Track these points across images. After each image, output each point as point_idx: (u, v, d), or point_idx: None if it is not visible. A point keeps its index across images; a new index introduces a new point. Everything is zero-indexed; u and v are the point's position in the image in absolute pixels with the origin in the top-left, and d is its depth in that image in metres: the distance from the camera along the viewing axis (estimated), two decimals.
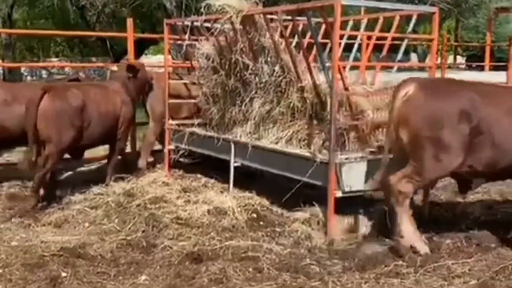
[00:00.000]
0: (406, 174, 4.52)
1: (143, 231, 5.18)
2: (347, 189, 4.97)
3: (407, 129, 4.42)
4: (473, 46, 31.23)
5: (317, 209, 5.23)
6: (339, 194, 4.96)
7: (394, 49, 6.24)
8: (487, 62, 23.12)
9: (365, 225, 5.13)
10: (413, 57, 28.76)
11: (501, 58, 28.83)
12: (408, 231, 4.61)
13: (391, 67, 6.04)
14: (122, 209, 5.73)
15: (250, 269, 4.34)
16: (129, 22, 8.00)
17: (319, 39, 5.86)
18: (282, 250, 4.74)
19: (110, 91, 6.59)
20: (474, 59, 29.22)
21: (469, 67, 24.55)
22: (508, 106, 4.44)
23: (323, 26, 6.12)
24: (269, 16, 5.82)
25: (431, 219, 5.50)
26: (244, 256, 4.60)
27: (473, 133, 4.34)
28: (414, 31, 6.08)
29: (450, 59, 23.82)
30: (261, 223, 5.43)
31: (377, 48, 6.40)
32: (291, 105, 5.63)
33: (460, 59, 31.68)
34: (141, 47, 16.46)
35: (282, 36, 5.76)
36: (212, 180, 6.83)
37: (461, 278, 4.22)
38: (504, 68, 14.63)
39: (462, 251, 4.73)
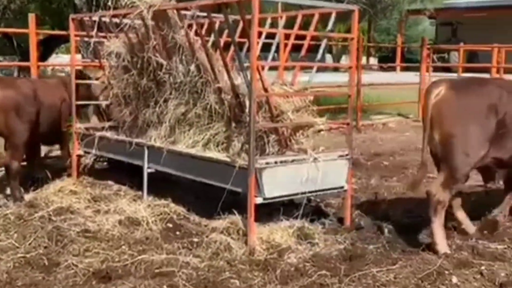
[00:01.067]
0: (442, 181, 4.57)
1: (45, 247, 4.63)
2: (268, 195, 4.67)
3: (440, 127, 4.54)
4: (385, 47, 32.29)
5: (236, 217, 4.89)
6: (259, 200, 4.66)
7: (309, 49, 5.99)
8: (398, 63, 23.86)
9: (287, 233, 4.84)
10: (328, 58, 29.17)
11: (411, 59, 29.97)
12: (443, 241, 4.61)
13: (309, 68, 5.81)
14: (22, 222, 5.15)
15: (165, 287, 3.94)
16: (31, 17, 7.36)
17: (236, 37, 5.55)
18: (199, 263, 4.36)
19: (50, 86, 6.54)
20: (386, 60, 30.17)
21: (381, 68, 25.26)
22: None
23: (240, 24, 5.80)
24: (183, 12, 5.43)
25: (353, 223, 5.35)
26: (158, 272, 4.18)
27: (498, 126, 4.50)
28: (330, 31, 5.85)
29: (363, 60, 24.32)
30: (177, 233, 5.03)
31: (294, 48, 6.12)
32: (208, 106, 5.28)
33: (373, 60, 32.63)
34: (51, 45, 15.53)
35: (197, 33, 5.39)
36: (125, 188, 6.33)
37: (387, 287, 4.02)
38: (416, 69, 14.99)
39: (386, 257, 4.54)
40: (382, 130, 12.10)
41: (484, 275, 4.17)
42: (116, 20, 5.93)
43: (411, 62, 26.20)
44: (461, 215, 5.05)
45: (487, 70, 13.68)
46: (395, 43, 28.98)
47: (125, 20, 5.72)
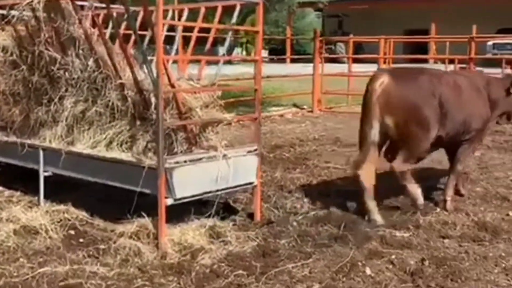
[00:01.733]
0: (402, 158, 5.15)
1: None
2: (179, 196, 4.47)
3: (392, 115, 5.00)
4: (276, 39, 32.75)
5: (145, 219, 4.64)
6: (170, 201, 4.44)
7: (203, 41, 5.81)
8: (289, 55, 24.31)
9: (199, 232, 4.67)
10: (221, 50, 29.11)
11: (299, 51, 30.63)
12: (419, 194, 5.28)
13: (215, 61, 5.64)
14: None
15: None
16: None
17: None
18: (108, 271, 4.07)
19: None
20: (276, 53, 30.63)
21: (271, 60, 25.62)
22: (454, 85, 5.33)
23: (140, 15, 5.51)
24: (78, 2, 5.05)
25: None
26: (63, 285, 3.85)
27: (439, 107, 5.10)
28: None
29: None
30: (81, 240, 4.67)
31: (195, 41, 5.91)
32: (110, 104, 4.95)
33: (264, 53, 33.05)
34: None
35: (94, 25, 5.04)
36: (18, 193, 5.82)
37: (304, 283, 3.98)
38: (306, 61, 15.30)
39: (299, 252, 4.51)
40: (280, 121, 12.21)
41: (395, 264, 4.26)
42: (2, 11, 5.40)
43: (299, 54, 26.79)
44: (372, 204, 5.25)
45: (375, 60, 14.21)
46: (285, 36, 29.47)
47: (13, 12, 5.22)
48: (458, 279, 4.03)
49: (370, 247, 4.58)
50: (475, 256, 4.41)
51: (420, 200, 5.27)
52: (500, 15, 28.20)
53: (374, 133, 5.05)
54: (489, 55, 23.77)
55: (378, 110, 4.99)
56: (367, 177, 5.15)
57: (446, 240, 4.78)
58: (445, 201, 5.54)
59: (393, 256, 4.39)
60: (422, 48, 22.24)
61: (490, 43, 25.07)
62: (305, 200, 5.94)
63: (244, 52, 28.99)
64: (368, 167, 5.14)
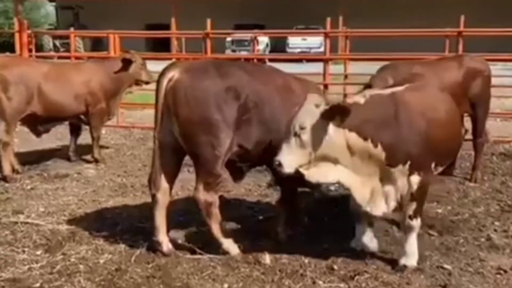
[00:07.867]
0: (202, 181, 3.95)
1: None
2: None
3: (177, 117, 3.87)
4: (5, 32, 27.90)
5: None
6: None
7: None
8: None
9: None
10: None
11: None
12: (227, 241, 4.11)
13: None
14: None
15: None
16: None
17: None
18: None
19: None
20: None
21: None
22: (274, 85, 4.10)
23: None
24: None
25: None
26: None
27: (241, 110, 3.93)
28: None
29: None
30: None
31: None
32: None
33: None
34: None
35: None
36: None
37: None
38: None
39: None
40: None
41: None
42: None
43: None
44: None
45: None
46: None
47: None
48: None
49: None
50: None
51: (234, 250, 4.09)
52: (236, 9, 27.69)
53: (163, 140, 3.99)
54: (228, 52, 22.89)
55: (166, 111, 3.92)
56: (164, 197, 4.13)
57: None
58: (276, 233, 4.46)
59: None
60: (164, 44, 20.20)
61: (229, 39, 24.09)
62: None
63: None
64: (165, 186, 4.09)
